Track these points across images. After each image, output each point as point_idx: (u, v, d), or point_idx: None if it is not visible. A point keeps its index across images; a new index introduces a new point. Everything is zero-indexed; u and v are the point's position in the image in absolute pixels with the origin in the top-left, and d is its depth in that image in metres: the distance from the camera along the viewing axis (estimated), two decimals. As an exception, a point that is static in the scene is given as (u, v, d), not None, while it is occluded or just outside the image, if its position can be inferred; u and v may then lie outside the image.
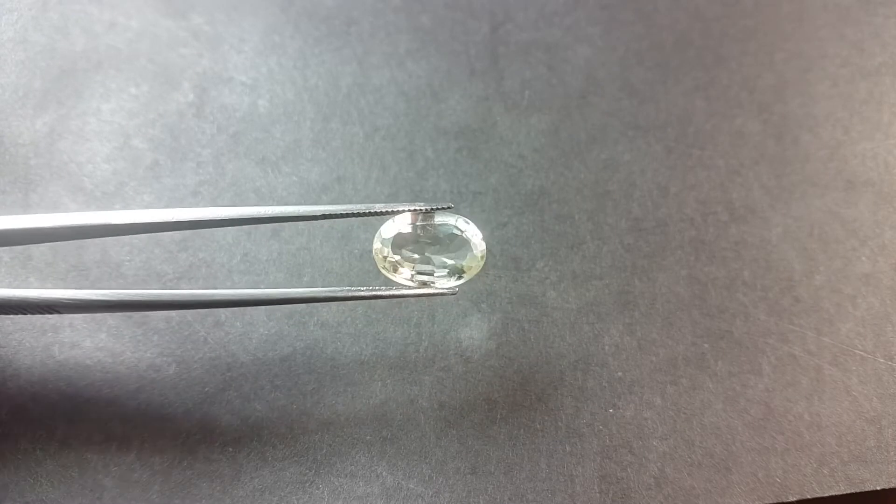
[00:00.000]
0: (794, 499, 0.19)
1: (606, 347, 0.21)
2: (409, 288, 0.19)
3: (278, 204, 0.23)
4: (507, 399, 0.20)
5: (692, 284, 0.22)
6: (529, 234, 0.22)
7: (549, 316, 0.21)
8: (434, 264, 0.19)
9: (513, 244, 0.22)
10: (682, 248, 0.22)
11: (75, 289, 0.20)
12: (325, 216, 0.18)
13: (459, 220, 0.19)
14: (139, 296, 0.18)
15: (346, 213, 0.18)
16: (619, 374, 0.20)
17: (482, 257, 0.19)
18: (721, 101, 0.25)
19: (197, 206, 0.22)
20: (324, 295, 0.19)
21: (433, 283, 0.19)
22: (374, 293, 0.19)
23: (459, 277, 0.19)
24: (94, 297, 0.18)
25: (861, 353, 0.21)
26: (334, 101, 0.25)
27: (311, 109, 0.24)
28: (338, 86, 0.25)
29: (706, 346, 0.21)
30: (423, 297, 0.21)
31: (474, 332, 0.21)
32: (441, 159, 0.24)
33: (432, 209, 0.19)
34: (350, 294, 0.19)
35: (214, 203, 0.23)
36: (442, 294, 0.19)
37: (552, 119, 0.24)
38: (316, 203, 0.23)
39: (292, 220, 0.19)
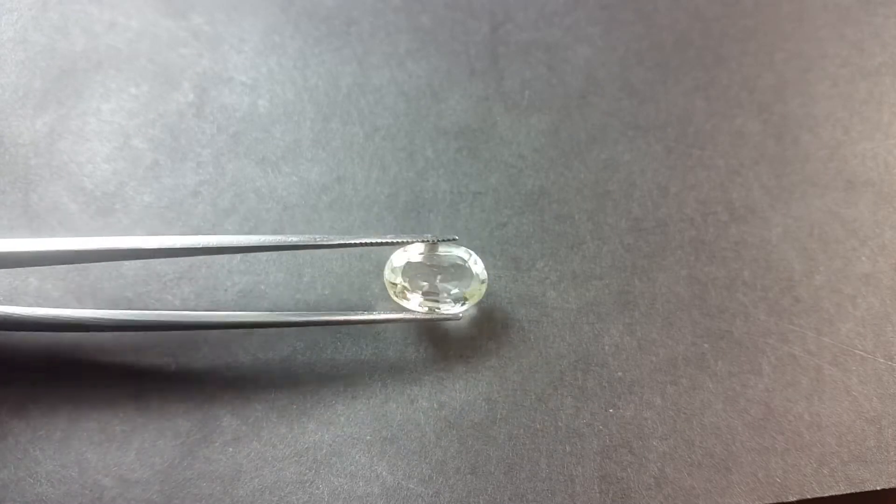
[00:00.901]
0: (794, 499, 0.19)
1: (606, 347, 0.21)
2: (418, 313, 0.21)
3: (278, 204, 0.23)
4: (507, 399, 0.20)
5: (692, 284, 0.22)
6: (529, 234, 0.22)
7: (549, 316, 0.21)
8: (440, 291, 0.20)
9: (513, 244, 0.22)
10: (682, 248, 0.22)
11: (98, 308, 0.20)
12: (340, 245, 0.20)
13: (462, 250, 0.21)
14: (145, 316, 0.19)
15: (359, 244, 0.20)
16: (619, 374, 0.20)
17: (483, 285, 0.21)
18: (721, 101, 0.25)
19: (197, 206, 0.22)
20: (336, 319, 0.20)
21: (439, 308, 0.21)
22: (384, 317, 0.20)
23: (463, 303, 0.21)
24: (118, 318, 0.19)
25: (861, 353, 0.21)
26: (334, 101, 0.25)
27: (311, 109, 0.24)
28: (338, 86, 0.25)
29: (706, 346, 0.21)
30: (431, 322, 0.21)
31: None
32: (441, 159, 0.24)
33: (438, 241, 0.20)
34: (361, 318, 0.20)
35: (214, 203, 0.23)
36: (447, 319, 0.20)
37: (552, 119, 0.24)
38: (316, 204, 0.23)
39: (306, 248, 0.20)
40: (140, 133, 0.24)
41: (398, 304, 0.21)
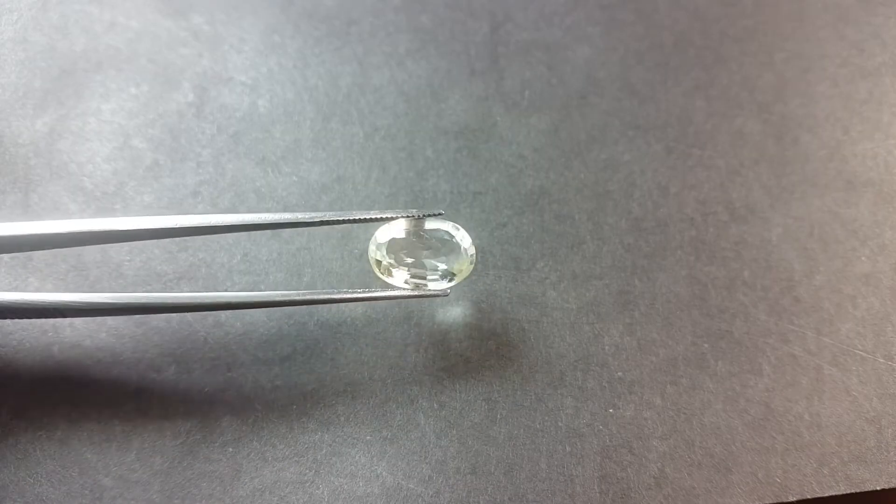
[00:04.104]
0: (794, 499, 0.19)
1: (606, 347, 0.21)
2: (404, 289, 0.20)
3: (278, 204, 0.23)
4: (507, 399, 0.20)
5: (692, 284, 0.22)
6: (529, 234, 0.22)
7: (549, 316, 0.21)
8: (427, 268, 0.20)
9: (513, 244, 0.22)
10: (682, 248, 0.22)
11: (78, 292, 0.20)
12: (322, 223, 0.19)
13: (450, 225, 0.20)
14: (142, 298, 0.19)
15: (342, 220, 0.19)
16: (619, 374, 0.20)
17: (472, 261, 0.20)
18: (721, 101, 0.25)
19: (197, 206, 0.22)
20: (320, 297, 0.19)
21: (426, 285, 0.20)
22: (369, 295, 0.19)
23: (451, 280, 0.20)
24: (98, 301, 0.19)
25: (861, 353, 0.21)
26: (334, 101, 0.25)
27: (311, 109, 0.24)
28: (338, 86, 0.25)
29: (706, 346, 0.21)
30: (419, 299, 0.21)
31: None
32: (441, 159, 0.24)
33: (424, 216, 0.20)
34: (346, 296, 0.19)
35: (214, 203, 0.23)
36: (434, 295, 0.20)
37: (552, 119, 0.24)
38: (316, 204, 0.23)
39: (290, 227, 0.19)
40: (140, 133, 0.24)
41: (385, 284, 0.21)
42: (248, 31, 0.26)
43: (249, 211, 0.22)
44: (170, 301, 0.19)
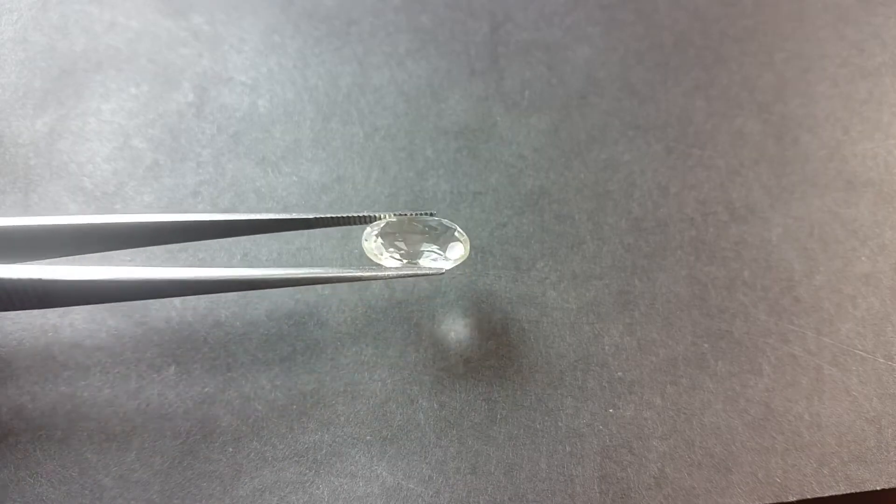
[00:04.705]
0: (794, 499, 0.19)
1: (606, 347, 0.21)
2: (399, 269, 0.20)
3: (278, 204, 0.23)
4: (507, 399, 0.20)
5: (692, 284, 0.22)
6: (529, 234, 0.22)
7: (549, 316, 0.21)
8: (421, 253, 0.20)
9: (513, 244, 0.22)
10: (682, 248, 0.22)
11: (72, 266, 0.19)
12: (318, 221, 0.19)
13: (443, 220, 0.20)
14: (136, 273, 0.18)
15: (336, 220, 0.19)
16: (619, 374, 0.20)
17: (465, 247, 0.20)
18: (721, 101, 0.25)
19: (197, 206, 0.22)
20: (316, 276, 0.19)
21: (419, 265, 0.20)
22: (364, 273, 0.19)
23: (446, 262, 0.20)
24: (89, 277, 0.18)
25: (861, 353, 0.21)
26: (334, 101, 0.25)
27: (311, 109, 0.24)
28: (338, 86, 0.25)
29: (706, 346, 0.21)
30: (413, 279, 0.21)
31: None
32: (441, 159, 0.24)
33: (416, 215, 0.20)
34: (341, 275, 0.19)
35: (214, 203, 0.23)
36: (429, 275, 0.20)
37: (552, 119, 0.24)
38: (316, 204, 0.23)
39: (285, 230, 0.20)
40: (140, 133, 0.24)
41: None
42: (248, 31, 0.26)
43: (249, 211, 0.22)
44: (160, 277, 0.18)
